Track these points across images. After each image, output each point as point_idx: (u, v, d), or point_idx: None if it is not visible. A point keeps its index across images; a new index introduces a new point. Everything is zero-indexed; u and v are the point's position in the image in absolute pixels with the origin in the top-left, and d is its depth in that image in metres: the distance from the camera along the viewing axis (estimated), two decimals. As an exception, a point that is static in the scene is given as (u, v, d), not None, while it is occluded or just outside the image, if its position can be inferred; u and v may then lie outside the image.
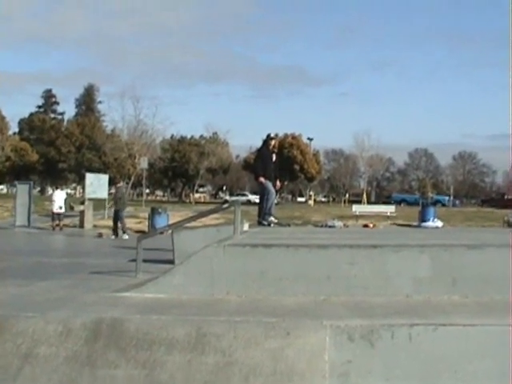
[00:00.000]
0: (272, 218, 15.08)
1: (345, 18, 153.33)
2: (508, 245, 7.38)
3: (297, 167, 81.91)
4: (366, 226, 34.06)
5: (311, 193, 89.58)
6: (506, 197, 73.54)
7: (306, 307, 6.51)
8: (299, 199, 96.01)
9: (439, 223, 34.48)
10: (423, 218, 35.44)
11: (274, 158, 15.40)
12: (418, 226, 33.31)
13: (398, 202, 65.68)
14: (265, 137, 15.50)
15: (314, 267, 7.06)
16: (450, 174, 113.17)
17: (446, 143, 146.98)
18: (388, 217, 39.49)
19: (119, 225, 28.35)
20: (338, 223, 34.98)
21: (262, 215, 15.08)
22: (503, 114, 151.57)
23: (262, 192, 15.22)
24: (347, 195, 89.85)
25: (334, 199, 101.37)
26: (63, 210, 33.28)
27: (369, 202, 75.83)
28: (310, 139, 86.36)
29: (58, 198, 33.18)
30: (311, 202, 79.76)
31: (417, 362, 5.56)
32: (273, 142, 15.56)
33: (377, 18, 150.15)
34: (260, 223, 15.01)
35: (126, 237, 27.31)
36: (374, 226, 34.24)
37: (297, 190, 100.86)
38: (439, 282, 6.95)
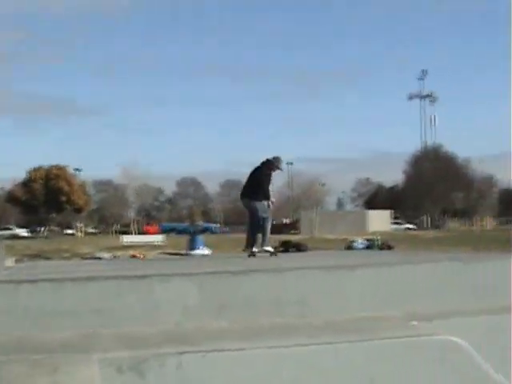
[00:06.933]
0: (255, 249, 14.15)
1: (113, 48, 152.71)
2: (274, 269, 7.71)
3: (64, 198, 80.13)
4: (134, 256, 33.88)
5: (80, 224, 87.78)
6: (284, 222, 76.31)
7: (74, 342, 6.34)
8: (68, 231, 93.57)
9: (207, 251, 35.18)
10: (191, 246, 35.95)
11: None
12: (187, 255, 33.80)
13: (167, 231, 65.98)
14: (267, 159, 14.29)
15: (81, 300, 6.90)
16: (218, 201, 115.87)
17: (215, 170, 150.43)
18: (157, 246, 39.62)
19: None
20: (107, 255, 34.54)
21: (265, 242, 14.25)
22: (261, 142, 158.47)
23: (259, 216, 14.16)
24: (117, 225, 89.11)
25: (103, 230, 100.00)
26: None
27: (140, 232, 75.73)
28: (78, 170, 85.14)
29: None
30: (80, 234, 78.23)
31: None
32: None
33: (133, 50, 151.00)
34: (266, 251, 14.14)
35: None
36: (144, 256, 34.22)
37: (65, 221, 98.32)
38: (208, 308, 7.07)
